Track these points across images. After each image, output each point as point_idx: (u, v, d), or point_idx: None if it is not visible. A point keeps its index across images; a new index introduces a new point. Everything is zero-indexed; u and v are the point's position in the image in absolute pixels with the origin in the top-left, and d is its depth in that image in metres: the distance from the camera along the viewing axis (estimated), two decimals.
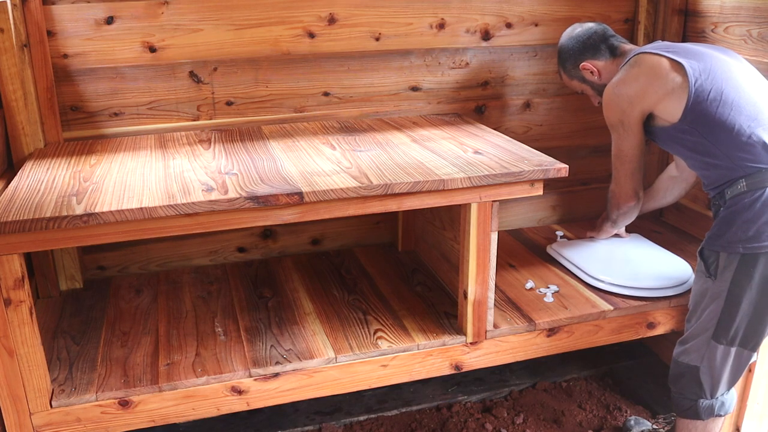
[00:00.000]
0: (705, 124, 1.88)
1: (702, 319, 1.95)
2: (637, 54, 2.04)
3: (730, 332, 1.89)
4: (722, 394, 1.99)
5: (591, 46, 2.18)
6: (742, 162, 1.84)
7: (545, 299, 2.21)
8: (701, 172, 1.99)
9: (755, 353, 1.95)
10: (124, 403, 1.78)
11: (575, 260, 2.38)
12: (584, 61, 2.19)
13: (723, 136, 1.86)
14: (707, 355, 1.94)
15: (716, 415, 2.00)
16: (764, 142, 1.82)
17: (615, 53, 2.16)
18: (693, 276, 2.17)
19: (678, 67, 1.92)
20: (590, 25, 2.22)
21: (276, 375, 1.88)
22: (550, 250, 2.52)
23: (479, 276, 1.97)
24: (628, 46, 2.17)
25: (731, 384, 1.98)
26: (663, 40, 2.57)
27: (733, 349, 1.92)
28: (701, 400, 1.99)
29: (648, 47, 2.05)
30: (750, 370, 2.27)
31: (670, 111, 1.94)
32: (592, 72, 2.19)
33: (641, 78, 1.97)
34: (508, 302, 2.21)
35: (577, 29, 2.23)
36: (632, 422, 2.43)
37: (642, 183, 2.20)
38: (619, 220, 2.33)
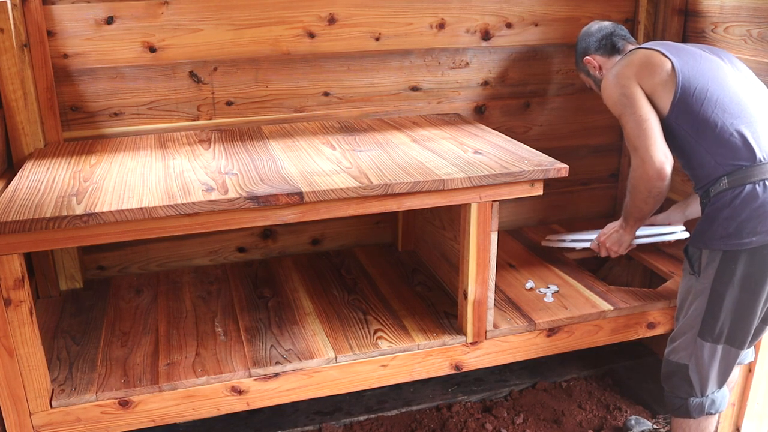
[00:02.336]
0: (690, 119, 1.91)
1: (688, 316, 1.96)
2: (632, 49, 2.10)
3: (715, 329, 1.91)
4: (712, 392, 1.99)
5: (596, 41, 2.25)
6: (724, 160, 1.87)
7: (545, 299, 2.21)
8: (689, 172, 2.02)
9: (743, 351, 1.96)
10: (124, 403, 1.78)
11: (574, 236, 2.38)
12: (588, 55, 2.27)
13: (707, 133, 1.89)
14: (695, 353, 1.95)
15: (707, 413, 2.00)
16: (746, 140, 1.85)
17: (616, 50, 2.22)
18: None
19: (668, 61, 1.96)
20: (605, 23, 2.30)
21: (276, 375, 1.88)
22: (545, 242, 2.53)
23: (479, 276, 1.97)
24: (631, 46, 2.20)
25: (721, 382, 1.99)
26: (663, 40, 2.57)
27: (720, 347, 1.93)
28: (691, 399, 2.00)
29: (643, 45, 2.11)
30: (750, 370, 2.27)
31: (662, 104, 1.97)
32: (593, 66, 2.26)
33: (634, 65, 2.02)
34: (508, 302, 2.21)
35: (594, 26, 2.31)
36: (632, 422, 2.43)
37: (670, 152, 1.97)
38: (648, 204, 2.03)
